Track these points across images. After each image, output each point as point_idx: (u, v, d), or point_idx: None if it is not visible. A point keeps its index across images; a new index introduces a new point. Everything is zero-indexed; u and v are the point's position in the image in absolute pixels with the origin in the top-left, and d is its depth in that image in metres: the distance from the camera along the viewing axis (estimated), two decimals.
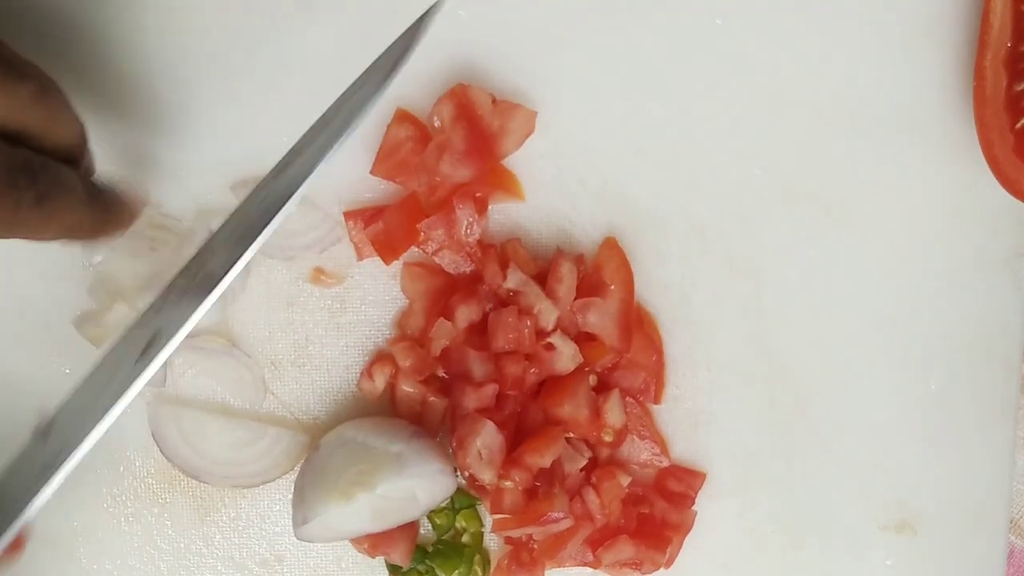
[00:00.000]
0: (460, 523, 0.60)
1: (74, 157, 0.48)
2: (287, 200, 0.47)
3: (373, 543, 0.58)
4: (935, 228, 0.62)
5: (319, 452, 0.56)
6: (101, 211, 0.49)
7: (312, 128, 0.51)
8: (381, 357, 0.59)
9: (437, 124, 0.57)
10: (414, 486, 0.55)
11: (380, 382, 0.59)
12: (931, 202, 0.62)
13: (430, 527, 0.60)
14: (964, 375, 0.63)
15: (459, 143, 0.57)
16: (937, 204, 0.62)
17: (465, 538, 0.60)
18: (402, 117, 0.58)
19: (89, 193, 0.48)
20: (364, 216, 0.58)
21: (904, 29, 0.62)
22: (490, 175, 0.59)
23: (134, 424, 0.59)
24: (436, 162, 0.57)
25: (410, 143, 0.58)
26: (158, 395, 0.58)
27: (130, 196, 0.51)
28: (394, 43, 0.50)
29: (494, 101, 0.58)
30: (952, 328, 0.63)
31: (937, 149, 0.62)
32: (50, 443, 0.49)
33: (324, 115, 0.50)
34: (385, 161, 0.58)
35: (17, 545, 0.56)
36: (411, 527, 0.59)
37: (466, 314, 0.57)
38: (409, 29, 0.50)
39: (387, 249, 0.58)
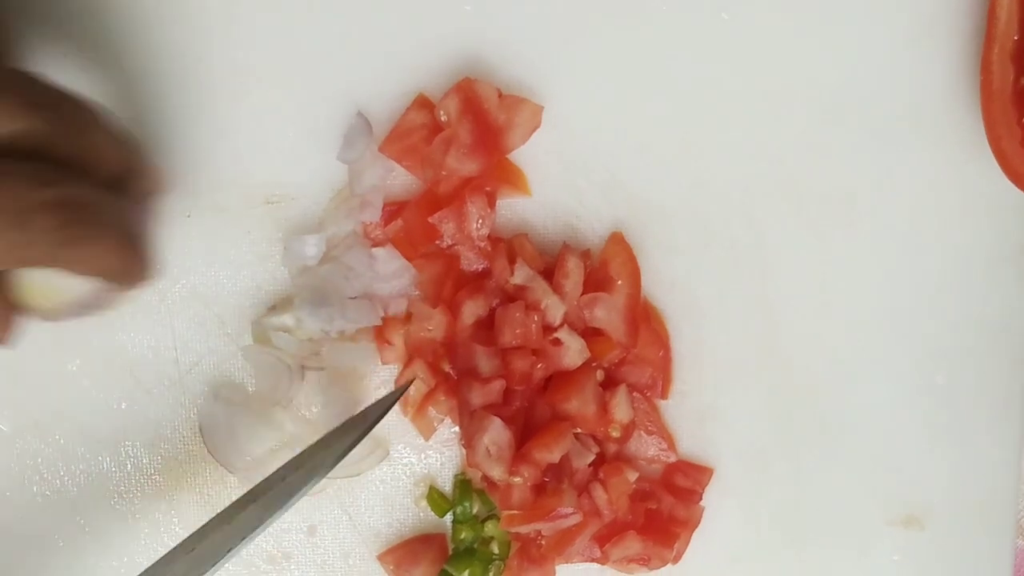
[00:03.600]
0: (487, 532, 0.60)
1: (122, 185, 0.48)
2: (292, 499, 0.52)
3: (397, 562, 0.59)
4: (942, 223, 0.62)
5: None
6: (132, 262, 0.48)
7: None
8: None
9: (443, 118, 0.57)
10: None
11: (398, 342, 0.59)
12: (938, 197, 0.62)
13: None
14: (971, 370, 0.63)
15: (465, 137, 0.57)
16: (944, 199, 0.62)
17: (494, 547, 0.60)
18: (422, 103, 0.58)
19: (127, 239, 0.47)
20: (384, 212, 0.58)
21: (911, 23, 0.62)
22: (496, 170, 0.59)
23: (141, 420, 0.59)
24: (442, 156, 0.57)
25: (424, 131, 0.58)
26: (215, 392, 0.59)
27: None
28: (370, 408, 0.55)
29: (500, 95, 0.58)
30: (959, 323, 0.63)
31: (944, 144, 0.62)
32: None
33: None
34: (396, 142, 0.58)
35: None
36: (436, 544, 0.59)
37: (473, 309, 0.57)
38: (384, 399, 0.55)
39: (407, 245, 0.58)
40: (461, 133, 0.57)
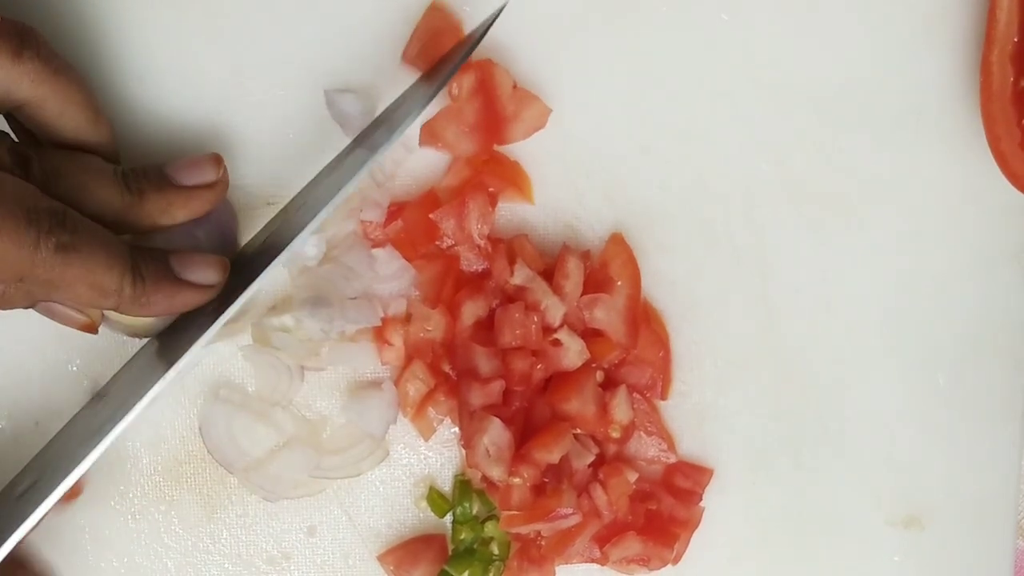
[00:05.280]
0: (487, 533, 0.60)
1: (109, 154, 0.50)
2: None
3: (397, 563, 0.59)
4: (942, 223, 0.62)
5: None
6: (144, 283, 0.48)
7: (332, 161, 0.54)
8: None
9: (455, 92, 0.57)
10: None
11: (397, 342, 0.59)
12: (938, 197, 0.62)
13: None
14: (971, 370, 0.63)
15: (470, 116, 0.57)
16: (944, 199, 0.62)
17: (494, 547, 0.60)
18: (437, 8, 0.58)
19: (134, 260, 0.48)
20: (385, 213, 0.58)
21: (911, 24, 0.62)
22: (503, 171, 0.59)
23: (140, 420, 0.58)
24: (443, 129, 0.57)
25: (448, 34, 0.57)
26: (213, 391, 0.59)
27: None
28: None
29: (515, 86, 0.58)
30: (959, 323, 0.63)
31: (944, 144, 0.62)
32: (104, 405, 0.52)
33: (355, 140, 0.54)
34: (420, 52, 0.57)
35: (75, 492, 0.57)
36: (436, 545, 0.59)
37: (473, 310, 0.57)
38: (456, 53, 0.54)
39: (407, 246, 0.58)
40: (467, 111, 0.57)
